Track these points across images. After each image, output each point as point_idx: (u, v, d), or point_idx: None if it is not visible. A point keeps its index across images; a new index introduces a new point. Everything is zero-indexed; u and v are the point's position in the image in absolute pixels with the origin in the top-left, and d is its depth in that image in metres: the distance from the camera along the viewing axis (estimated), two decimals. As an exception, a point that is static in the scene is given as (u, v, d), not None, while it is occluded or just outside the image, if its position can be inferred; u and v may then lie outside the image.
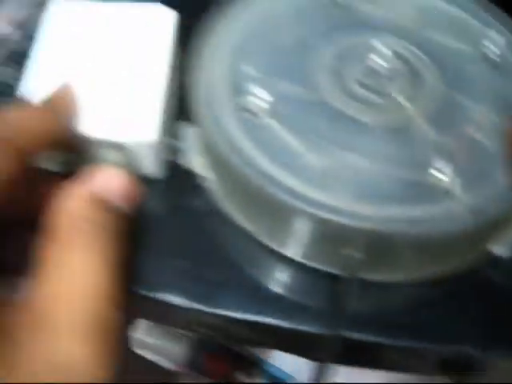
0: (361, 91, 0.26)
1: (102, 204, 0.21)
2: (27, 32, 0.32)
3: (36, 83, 0.26)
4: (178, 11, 0.29)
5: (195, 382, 0.61)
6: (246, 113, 0.25)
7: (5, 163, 0.20)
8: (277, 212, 0.24)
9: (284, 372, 0.60)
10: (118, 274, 0.20)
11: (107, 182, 0.22)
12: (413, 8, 0.30)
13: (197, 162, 0.27)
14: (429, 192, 0.24)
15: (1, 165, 0.20)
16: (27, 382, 0.17)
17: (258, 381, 0.59)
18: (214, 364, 0.60)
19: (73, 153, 0.25)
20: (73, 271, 0.19)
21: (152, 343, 0.61)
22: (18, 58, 0.30)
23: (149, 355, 0.61)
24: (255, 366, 0.60)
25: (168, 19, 0.28)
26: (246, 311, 0.24)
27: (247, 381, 0.60)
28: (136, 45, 0.27)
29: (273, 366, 0.60)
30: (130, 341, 0.60)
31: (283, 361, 0.60)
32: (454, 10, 0.30)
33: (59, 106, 0.24)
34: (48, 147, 0.23)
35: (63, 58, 0.27)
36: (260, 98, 0.25)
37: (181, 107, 0.28)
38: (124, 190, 0.22)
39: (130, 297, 0.25)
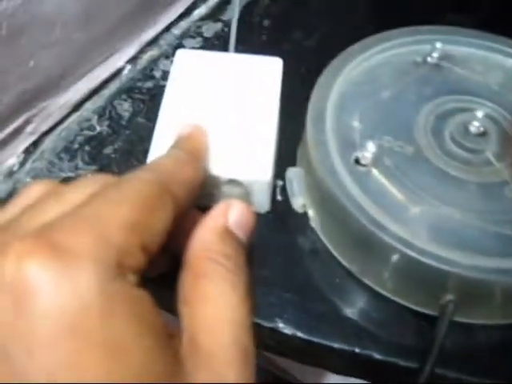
0: (456, 149, 0.29)
1: (234, 237, 0.24)
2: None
3: (168, 129, 0.29)
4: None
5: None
6: (353, 162, 0.28)
7: (163, 213, 0.21)
8: (381, 255, 0.27)
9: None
10: (250, 305, 0.23)
11: (238, 215, 0.25)
12: (501, 72, 0.33)
13: (301, 202, 0.30)
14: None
15: (160, 215, 0.21)
16: None
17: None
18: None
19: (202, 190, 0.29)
20: (216, 305, 0.21)
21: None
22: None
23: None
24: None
25: (276, 67, 0.32)
26: (346, 343, 0.27)
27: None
28: (250, 91, 0.31)
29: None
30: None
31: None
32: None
33: (199, 150, 0.27)
34: (196, 193, 0.25)
35: (189, 105, 0.30)
36: (368, 149, 0.28)
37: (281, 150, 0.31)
38: (251, 224, 0.25)
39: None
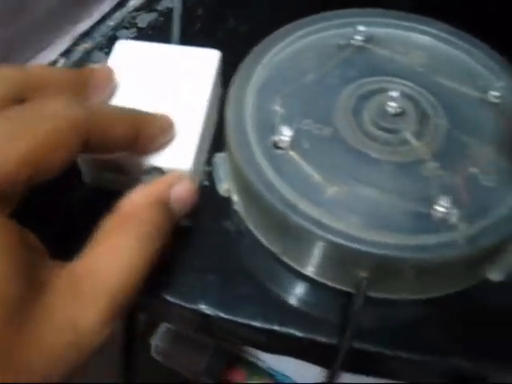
0: (374, 130, 0.30)
1: (165, 207, 0.25)
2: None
3: None
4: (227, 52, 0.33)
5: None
6: (271, 146, 0.29)
7: (64, 153, 0.23)
8: (297, 236, 0.28)
9: (292, 379, 0.64)
10: (147, 265, 0.24)
11: (180, 189, 0.26)
12: (425, 54, 0.34)
13: (225, 187, 0.32)
14: (431, 222, 0.27)
15: (59, 153, 0.22)
16: (43, 336, 0.20)
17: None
18: (231, 373, 0.64)
19: (121, 174, 0.30)
20: (111, 252, 0.23)
21: (171, 350, 0.65)
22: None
23: (167, 362, 0.66)
24: (270, 376, 0.64)
25: (212, 58, 0.33)
26: (266, 321, 0.29)
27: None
28: (184, 82, 0.32)
29: (286, 376, 0.64)
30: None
31: (296, 372, 0.64)
32: (463, 57, 0.34)
33: (141, 119, 0.28)
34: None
35: (123, 95, 0.31)
36: (284, 133, 0.29)
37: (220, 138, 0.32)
38: (190, 200, 0.27)
39: (165, 303, 0.29)
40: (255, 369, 0.64)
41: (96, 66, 0.31)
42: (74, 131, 0.23)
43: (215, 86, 0.33)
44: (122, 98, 0.31)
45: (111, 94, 0.31)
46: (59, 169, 0.23)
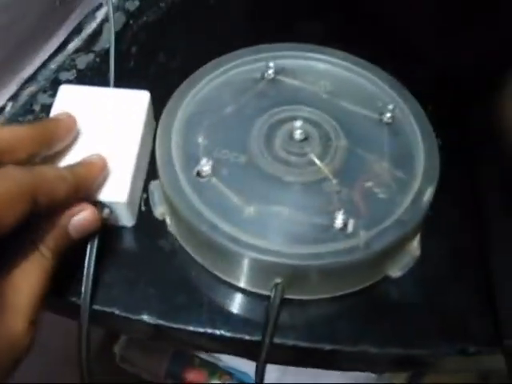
0: (283, 154, 0.35)
1: (63, 233, 0.31)
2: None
3: None
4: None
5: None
6: (195, 175, 0.34)
7: (14, 212, 0.27)
8: (220, 252, 0.33)
9: (252, 378, 0.69)
10: (49, 278, 0.30)
11: (80, 219, 0.31)
12: (329, 82, 0.39)
13: (160, 211, 0.36)
14: (333, 233, 0.33)
15: (10, 212, 0.27)
16: None
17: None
18: (192, 375, 0.69)
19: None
20: (24, 272, 0.29)
21: (134, 357, 0.70)
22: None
23: (131, 369, 0.70)
24: (229, 374, 0.69)
25: (143, 99, 0.37)
26: (200, 325, 0.33)
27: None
28: (118, 122, 0.37)
29: (243, 373, 0.69)
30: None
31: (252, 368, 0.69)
32: (361, 81, 0.39)
33: (86, 179, 0.32)
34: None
35: None
36: (205, 163, 0.34)
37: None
38: (90, 228, 0.32)
39: (114, 317, 0.34)
40: (215, 368, 0.69)
41: (60, 115, 0.35)
42: (23, 195, 0.28)
43: (147, 122, 0.37)
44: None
45: (74, 140, 0.35)
46: (10, 227, 0.27)
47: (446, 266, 0.36)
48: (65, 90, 0.37)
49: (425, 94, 0.38)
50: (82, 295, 0.33)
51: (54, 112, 0.36)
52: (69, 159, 0.35)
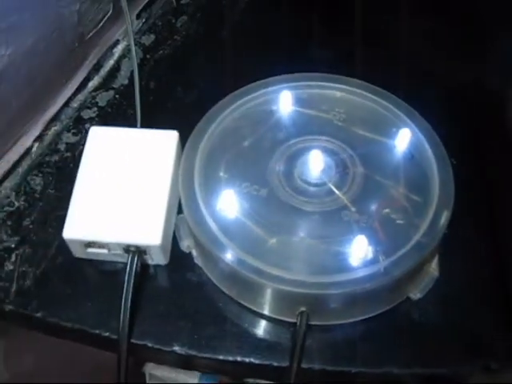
0: (302, 185, 0.38)
1: None
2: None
3: (83, 198, 0.38)
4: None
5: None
6: (218, 209, 0.37)
7: None
8: (246, 284, 0.35)
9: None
10: None
11: None
12: (343, 109, 0.42)
13: (186, 244, 0.39)
14: (354, 260, 0.35)
15: None
16: None
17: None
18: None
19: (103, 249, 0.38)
20: None
21: (163, 376, 0.73)
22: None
23: (162, 388, 0.73)
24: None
25: (171, 139, 0.40)
26: (229, 354, 0.36)
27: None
28: (148, 163, 0.39)
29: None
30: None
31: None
32: (374, 107, 0.42)
33: None
34: None
35: (99, 177, 0.39)
36: (228, 198, 0.37)
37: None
38: None
39: (146, 348, 0.37)
40: (244, 384, 0.72)
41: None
42: None
43: (176, 161, 0.40)
44: (101, 182, 0.39)
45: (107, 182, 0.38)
46: None
47: (465, 286, 0.39)
48: (94, 132, 0.40)
49: (437, 117, 0.41)
50: (120, 329, 0.35)
51: (86, 154, 0.39)
52: (104, 201, 0.38)
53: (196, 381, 0.72)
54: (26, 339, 0.53)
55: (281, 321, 0.37)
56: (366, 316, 0.37)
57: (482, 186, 0.42)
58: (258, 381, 0.69)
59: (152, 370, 0.73)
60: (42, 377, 0.57)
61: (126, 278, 0.36)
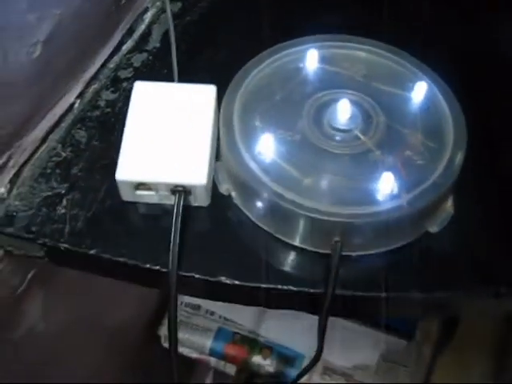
0: (331, 131, 0.43)
1: None
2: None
3: (132, 143, 0.42)
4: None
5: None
6: (257, 153, 0.41)
7: None
8: (285, 217, 0.40)
9: (293, 350, 0.76)
10: None
11: None
12: (364, 66, 0.46)
13: (225, 187, 0.43)
14: (381, 195, 0.40)
15: None
16: None
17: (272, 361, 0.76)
18: (234, 351, 0.77)
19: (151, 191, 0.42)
20: None
21: (179, 338, 0.77)
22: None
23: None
24: (269, 349, 0.77)
25: (210, 92, 0.45)
26: (271, 283, 0.41)
27: (263, 363, 0.76)
28: (190, 113, 0.44)
29: (282, 346, 0.76)
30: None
31: (291, 342, 0.77)
32: (391, 64, 0.47)
33: None
34: None
35: (146, 125, 0.43)
36: (265, 142, 0.41)
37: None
38: None
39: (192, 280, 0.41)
40: (255, 344, 0.77)
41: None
42: None
43: (215, 112, 0.44)
44: (148, 130, 0.43)
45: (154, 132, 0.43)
46: None
47: (477, 221, 0.44)
48: (139, 86, 0.44)
49: (449, 73, 0.46)
50: (170, 261, 0.40)
51: (132, 105, 0.44)
52: (152, 147, 0.42)
53: (210, 341, 0.77)
54: (63, 293, 0.57)
55: (315, 252, 0.41)
56: (392, 247, 0.42)
57: (491, 131, 0.47)
58: None
59: (167, 331, 0.77)
60: (73, 331, 0.61)
61: (174, 215, 0.40)
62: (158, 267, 0.41)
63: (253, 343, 0.77)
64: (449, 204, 0.43)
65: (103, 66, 0.50)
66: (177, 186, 0.41)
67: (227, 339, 0.77)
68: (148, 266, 0.41)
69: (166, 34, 0.52)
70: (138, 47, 0.52)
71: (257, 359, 0.76)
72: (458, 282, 0.42)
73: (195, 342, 0.77)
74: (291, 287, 0.41)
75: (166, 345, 0.77)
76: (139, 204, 0.43)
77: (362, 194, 0.40)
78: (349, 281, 0.41)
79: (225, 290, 0.42)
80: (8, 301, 0.48)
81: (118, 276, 0.44)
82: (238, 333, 0.78)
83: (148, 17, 0.53)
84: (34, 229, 0.42)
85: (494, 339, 0.79)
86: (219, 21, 0.54)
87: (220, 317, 0.80)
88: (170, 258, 0.40)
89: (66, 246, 0.42)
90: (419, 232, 0.42)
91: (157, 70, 0.50)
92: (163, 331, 0.77)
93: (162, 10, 0.52)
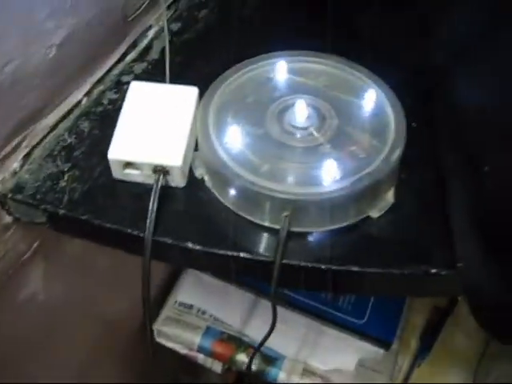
0: (290, 128, 0.52)
1: None
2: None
3: (125, 131, 0.52)
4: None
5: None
6: (226, 143, 0.51)
7: None
8: (246, 196, 0.49)
9: (275, 351, 0.84)
10: None
11: None
12: (327, 78, 0.56)
13: (200, 172, 0.53)
14: (325, 180, 0.49)
15: None
16: None
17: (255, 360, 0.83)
18: (220, 348, 0.85)
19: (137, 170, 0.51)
20: None
21: (170, 333, 0.85)
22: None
23: (167, 343, 0.86)
24: (253, 348, 0.84)
25: (193, 92, 0.55)
26: (229, 250, 0.49)
27: (247, 361, 0.84)
28: (174, 108, 0.54)
29: (266, 347, 0.84)
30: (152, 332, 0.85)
31: (275, 343, 0.84)
32: (349, 77, 0.56)
33: None
34: None
35: (137, 116, 0.53)
36: (233, 135, 0.51)
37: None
38: None
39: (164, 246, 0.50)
40: (241, 343, 0.85)
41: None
42: None
43: (195, 109, 0.54)
44: (138, 120, 0.53)
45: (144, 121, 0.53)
46: None
47: (414, 210, 0.52)
48: (135, 85, 0.55)
49: (399, 85, 0.55)
50: (147, 227, 0.49)
51: (127, 100, 0.54)
52: (140, 133, 0.52)
53: (199, 338, 0.85)
54: (63, 269, 0.66)
55: (270, 228, 0.50)
56: (336, 226, 0.50)
57: (430, 136, 0.55)
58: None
59: (160, 326, 0.86)
60: (70, 310, 0.70)
61: (153, 191, 0.50)
62: (136, 232, 0.50)
63: (238, 342, 0.85)
64: (389, 195, 0.52)
65: (109, 71, 0.61)
66: (157, 166, 0.51)
67: (215, 337, 0.85)
68: (129, 230, 0.51)
69: (164, 48, 0.62)
70: (140, 58, 0.63)
71: (241, 357, 0.84)
72: (391, 261, 0.50)
73: (185, 339, 0.85)
74: (246, 255, 0.49)
75: (159, 339, 0.86)
76: (127, 182, 0.53)
77: (310, 178, 0.49)
78: (297, 253, 0.50)
79: (190, 256, 0.51)
80: (14, 265, 0.58)
81: (105, 241, 0.54)
82: (225, 332, 0.86)
83: (151, 33, 0.65)
84: (38, 197, 0.52)
85: (471, 354, 0.86)
86: (210, 39, 0.65)
87: (210, 316, 0.88)
88: (147, 224, 0.49)
89: (63, 211, 0.52)
90: (361, 215, 0.51)
91: (154, 77, 0.60)
92: (156, 326, 0.86)
93: (163, 29, 0.63)
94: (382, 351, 0.85)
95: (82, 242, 0.55)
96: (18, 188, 0.53)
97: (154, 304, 0.91)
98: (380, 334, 0.85)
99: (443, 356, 0.86)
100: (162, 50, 0.63)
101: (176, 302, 0.90)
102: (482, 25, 0.54)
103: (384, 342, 0.85)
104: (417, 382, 0.85)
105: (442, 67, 0.55)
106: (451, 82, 0.54)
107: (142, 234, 0.50)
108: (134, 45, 0.64)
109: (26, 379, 0.66)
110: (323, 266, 0.49)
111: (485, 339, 0.85)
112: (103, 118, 0.58)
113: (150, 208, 0.50)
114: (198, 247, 0.50)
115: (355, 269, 0.49)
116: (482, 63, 0.53)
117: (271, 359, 0.83)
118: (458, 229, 0.50)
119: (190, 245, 0.50)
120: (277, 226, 0.50)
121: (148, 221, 0.49)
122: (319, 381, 0.81)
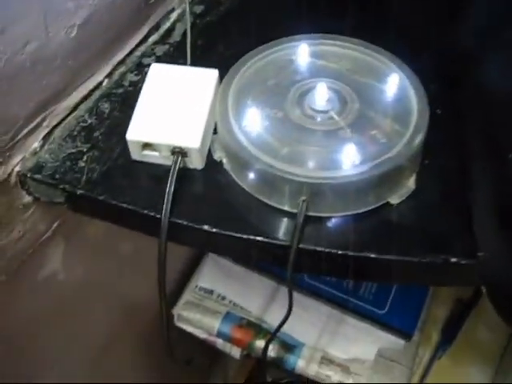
0: (310, 111, 0.52)
1: None
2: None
3: (144, 111, 0.53)
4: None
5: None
6: (245, 126, 0.51)
7: None
8: (264, 179, 0.49)
9: (295, 338, 0.84)
10: None
11: None
12: (349, 62, 0.56)
13: (218, 155, 0.53)
14: (346, 163, 0.48)
15: None
16: None
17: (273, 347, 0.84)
18: (239, 334, 0.85)
19: (155, 152, 0.52)
20: None
21: (190, 317, 0.86)
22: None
23: (187, 327, 0.86)
24: (272, 334, 0.84)
25: (213, 75, 0.55)
26: (246, 233, 0.49)
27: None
28: (195, 89, 0.54)
29: (285, 334, 0.84)
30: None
31: (295, 330, 0.84)
32: (370, 60, 0.56)
33: None
34: None
35: (157, 98, 0.53)
36: (253, 117, 0.51)
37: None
38: None
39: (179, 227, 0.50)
40: (259, 329, 0.85)
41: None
42: None
43: (215, 91, 0.54)
44: (158, 102, 0.53)
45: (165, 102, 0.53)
46: None
47: (436, 198, 0.51)
48: (155, 67, 0.55)
49: (424, 71, 0.54)
50: (164, 209, 0.49)
51: (147, 81, 0.54)
52: (159, 115, 0.52)
53: (218, 323, 0.86)
54: (82, 250, 0.67)
55: (289, 212, 0.50)
56: (354, 212, 0.50)
57: (455, 123, 0.55)
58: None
59: (180, 310, 0.87)
60: (89, 291, 0.71)
61: (171, 172, 0.50)
62: (153, 213, 0.51)
63: (258, 328, 0.85)
64: (411, 181, 0.51)
65: (130, 53, 0.61)
66: (175, 147, 0.51)
67: (234, 322, 0.85)
68: (146, 211, 0.51)
69: (186, 30, 0.62)
70: (162, 40, 0.63)
71: (260, 343, 0.84)
72: (410, 249, 0.49)
73: (204, 324, 0.86)
74: (263, 239, 0.49)
75: (178, 324, 0.86)
76: (145, 163, 0.53)
77: (329, 162, 0.49)
78: (314, 237, 0.49)
79: (206, 238, 0.51)
80: (34, 244, 0.58)
81: (122, 221, 0.54)
82: (244, 318, 0.86)
83: (173, 15, 0.65)
84: (57, 176, 0.53)
85: (494, 348, 0.84)
86: (233, 22, 0.65)
87: (230, 302, 0.89)
88: (164, 205, 0.50)
89: (81, 191, 0.52)
90: (380, 201, 0.50)
91: (175, 59, 0.60)
92: (176, 310, 0.87)
93: (186, 11, 0.63)
94: (402, 342, 0.84)
95: (103, 224, 0.56)
96: (38, 168, 0.54)
97: (175, 288, 0.92)
98: (401, 324, 0.84)
99: (465, 349, 0.85)
100: (184, 33, 0.63)
101: (197, 286, 0.91)
102: (510, 9, 0.53)
103: (405, 333, 0.84)
104: (437, 374, 0.84)
105: (471, 53, 0.54)
106: (480, 68, 0.53)
107: (158, 215, 0.50)
108: (156, 27, 0.64)
109: (43, 359, 0.67)
110: (340, 252, 0.49)
111: (508, 334, 0.84)
112: (124, 99, 0.58)
113: (167, 189, 0.50)
114: (214, 230, 0.50)
115: (372, 255, 0.49)
116: (511, 48, 0.52)
117: (290, 346, 0.83)
118: (479, 217, 0.49)
119: (206, 227, 0.50)
120: (294, 210, 0.50)
121: (165, 202, 0.50)
122: (338, 369, 0.81)
